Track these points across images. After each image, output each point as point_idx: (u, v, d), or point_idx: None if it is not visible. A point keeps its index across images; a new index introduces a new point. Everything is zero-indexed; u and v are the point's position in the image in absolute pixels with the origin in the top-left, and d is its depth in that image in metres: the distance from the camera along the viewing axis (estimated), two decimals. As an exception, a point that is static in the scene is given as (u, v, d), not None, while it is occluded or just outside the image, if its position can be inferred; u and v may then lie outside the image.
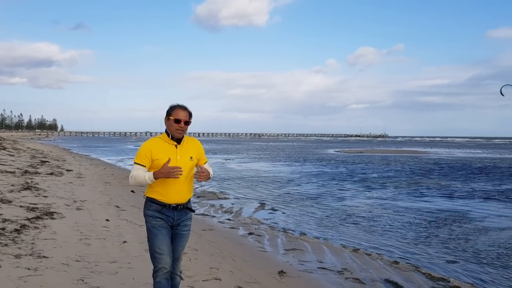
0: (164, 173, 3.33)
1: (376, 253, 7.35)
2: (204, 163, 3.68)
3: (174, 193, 3.47)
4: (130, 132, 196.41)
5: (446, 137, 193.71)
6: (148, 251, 6.23)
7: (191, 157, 3.53)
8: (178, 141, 3.53)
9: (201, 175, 3.45)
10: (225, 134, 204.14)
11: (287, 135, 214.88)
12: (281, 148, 60.34)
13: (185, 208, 3.57)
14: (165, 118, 3.52)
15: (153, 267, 3.56)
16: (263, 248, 7.50)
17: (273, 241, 8.03)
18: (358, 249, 7.57)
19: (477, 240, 8.39)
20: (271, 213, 11.05)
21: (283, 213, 11.05)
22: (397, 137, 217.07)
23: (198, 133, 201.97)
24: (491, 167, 27.21)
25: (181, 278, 3.71)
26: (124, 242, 6.69)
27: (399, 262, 6.81)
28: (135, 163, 3.52)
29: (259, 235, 8.42)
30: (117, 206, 10.10)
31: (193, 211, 3.70)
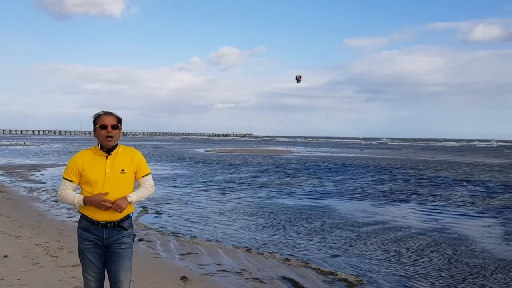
0: (94, 203, 3.17)
1: (268, 252, 7.74)
2: (144, 176, 3.41)
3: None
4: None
5: (305, 137, 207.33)
6: (36, 266, 5.78)
7: (122, 170, 3.27)
8: (109, 151, 3.30)
9: (114, 207, 3.18)
10: (84, 132, 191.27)
11: (153, 133, 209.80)
12: (149, 147, 58.84)
13: (117, 226, 3.28)
14: (93, 130, 3.32)
15: None
16: (158, 254, 7.38)
17: (166, 246, 7.94)
18: (250, 249, 7.89)
19: (351, 234, 9.32)
20: (156, 216, 10.85)
21: (169, 216, 10.94)
22: (262, 136, 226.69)
23: (54, 131, 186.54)
24: (351, 166, 30.10)
25: None
26: (5, 256, 6.05)
27: (290, 259, 7.28)
28: (63, 177, 3.30)
29: (150, 241, 8.25)
30: (-18, 216, 9.01)
31: (126, 229, 3.32)
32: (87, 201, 3.19)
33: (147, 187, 3.43)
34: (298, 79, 35.92)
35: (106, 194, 3.17)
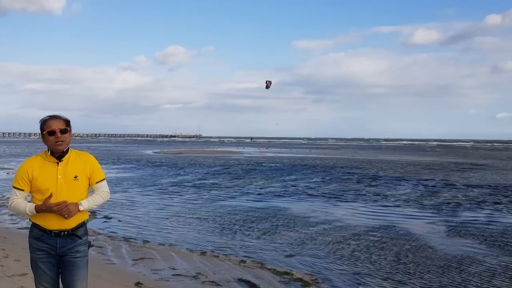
0: (47, 211, 3.03)
1: (223, 254, 7.72)
2: (98, 182, 3.29)
3: (55, 218, 3.07)
4: None
5: (251, 138, 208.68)
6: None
7: (75, 176, 3.14)
8: (60, 157, 3.16)
9: (63, 212, 3.03)
10: (25, 134, 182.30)
11: (97, 135, 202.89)
12: (89, 150, 56.84)
13: (71, 235, 3.16)
14: (41, 136, 3.19)
15: None
16: (109, 260, 7.17)
17: (117, 251, 7.73)
18: (205, 252, 7.83)
19: (304, 234, 9.48)
20: (105, 221, 10.54)
21: (119, 220, 10.66)
22: (211, 137, 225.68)
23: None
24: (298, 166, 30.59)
25: None
26: None
27: (245, 261, 7.30)
28: (13, 187, 3.14)
29: (101, 247, 8.00)
30: None
31: (80, 238, 3.20)
32: (39, 210, 3.06)
33: (102, 194, 3.32)
34: (268, 85, 35.67)
35: (50, 196, 3.03)
